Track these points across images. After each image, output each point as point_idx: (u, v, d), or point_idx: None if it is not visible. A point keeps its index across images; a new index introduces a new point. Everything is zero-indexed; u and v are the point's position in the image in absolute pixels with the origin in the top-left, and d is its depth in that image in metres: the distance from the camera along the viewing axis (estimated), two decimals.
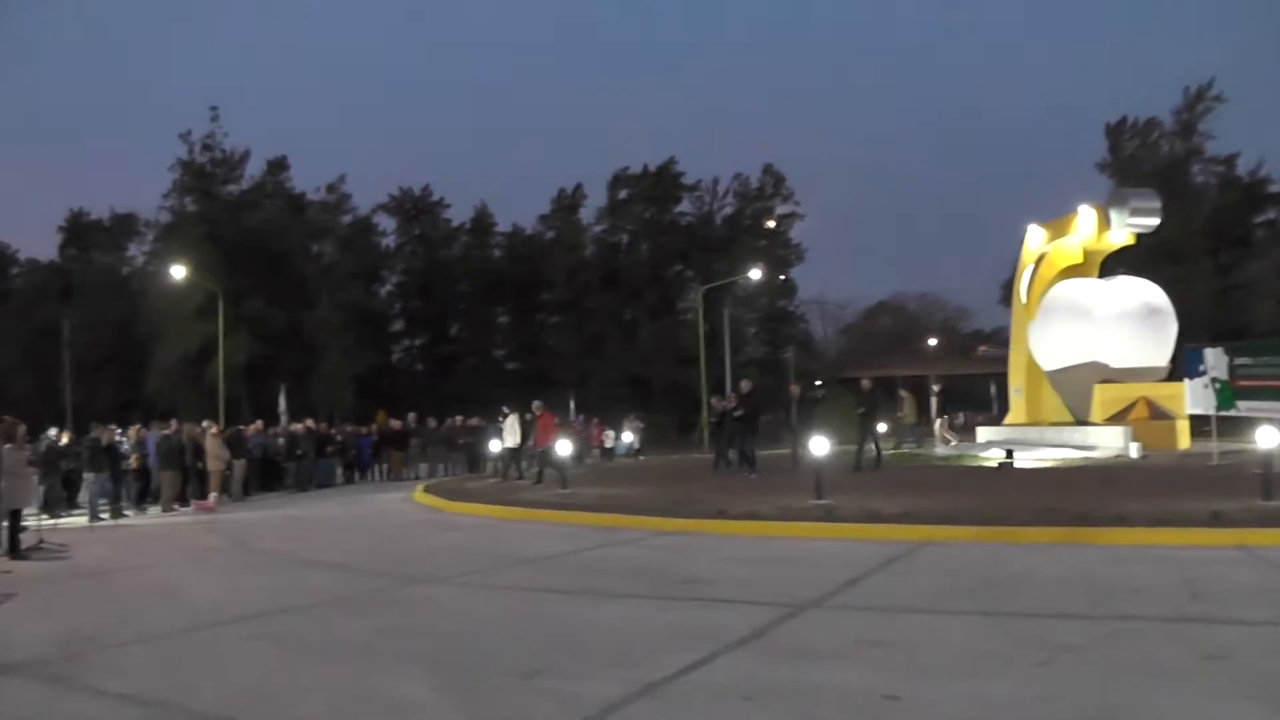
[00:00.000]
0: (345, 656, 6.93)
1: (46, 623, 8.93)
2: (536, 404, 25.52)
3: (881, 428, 30.20)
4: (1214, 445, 20.72)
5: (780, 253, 72.95)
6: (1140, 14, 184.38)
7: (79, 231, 72.56)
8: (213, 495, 22.11)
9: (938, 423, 32.09)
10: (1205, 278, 61.50)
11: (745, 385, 24.27)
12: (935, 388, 33.45)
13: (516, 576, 10.43)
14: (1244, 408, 19.58)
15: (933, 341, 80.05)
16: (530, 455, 24.86)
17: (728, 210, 73.88)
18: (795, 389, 23.79)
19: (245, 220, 62.98)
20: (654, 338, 66.31)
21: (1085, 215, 28.43)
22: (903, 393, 33.28)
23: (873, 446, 21.81)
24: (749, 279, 59.62)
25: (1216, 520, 11.32)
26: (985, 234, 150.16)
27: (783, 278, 73.61)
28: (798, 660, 6.22)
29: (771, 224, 72.99)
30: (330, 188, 67.49)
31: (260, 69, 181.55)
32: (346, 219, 68.64)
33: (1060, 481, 17.94)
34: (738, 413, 22.68)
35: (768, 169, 73.73)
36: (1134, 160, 65.87)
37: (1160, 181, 61.69)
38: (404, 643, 7.27)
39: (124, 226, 71.66)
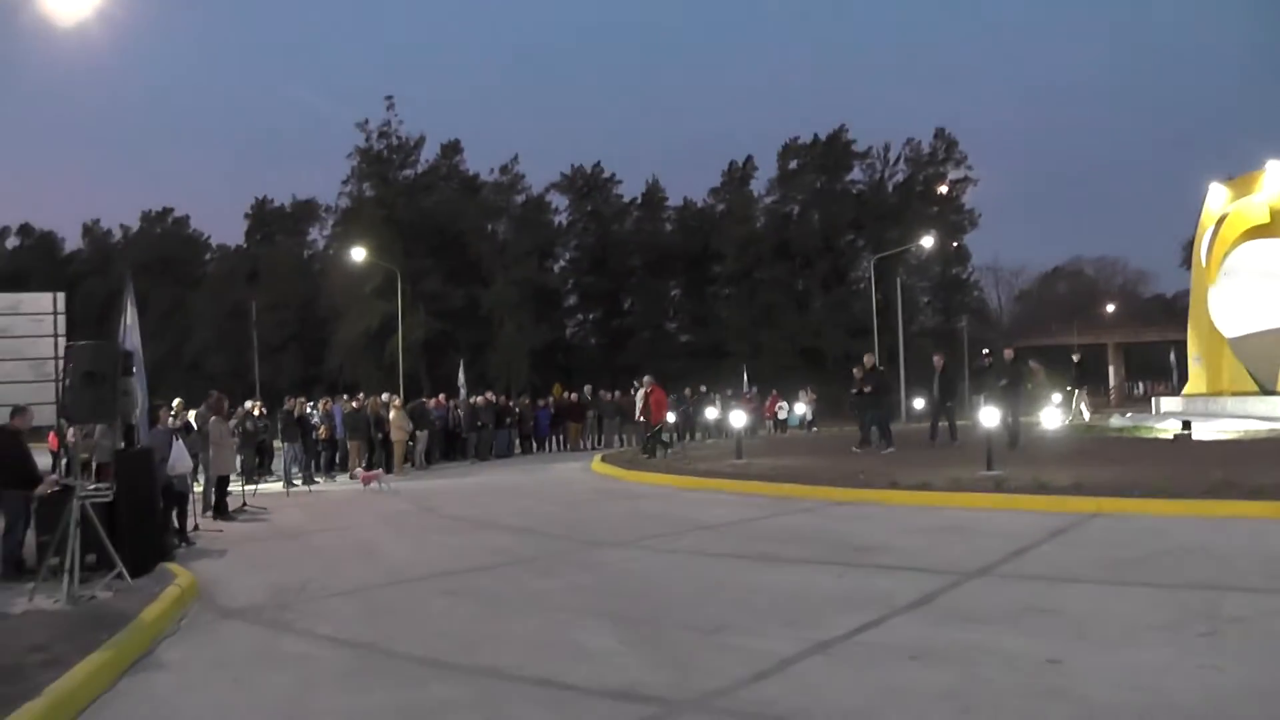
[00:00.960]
0: (534, 610, 7.44)
1: (258, 575, 9.75)
2: (647, 379, 25.47)
3: (1056, 397, 29.75)
4: None
5: (953, 219, 71.60)
6: None
7: (264, 218, 76.58)
8: (378, 470, 22.99)
9: (1075, 394, 31.16)
10: None
11: (868, 359, 23.52)
12: (1075, 358, 32.52)
13: (695, 541, 10.84)
14: None
15: (1110, 308, 77.78)
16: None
17: (899, 177, 72.78)
18: (939, 360, 22.49)
19: (422, 203, 65.11)
20: (826, 308, 65.94)
21: (1274, 171, 26.79)
22: (1033, 364, 32.52)
23: (1013, 421, 20.21)
24: (921, 247, 58.77)
25: None
26: (1169, 191, 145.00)
27: (956, 244, 72.32)
28: (964, 625, 6.46)
29: (944, 189, 71.67)
30: (504, 169, 69.41)
31: (433, 55, 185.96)
32: (520, 198, 70.32)
33: (1239, 454, 17.42)
34: (867, 388, 22.05)
35: (939, 133, 72.40)
36: None
37: None
38: (589, 600, 7.76)
39: (305, 212, 75.32)
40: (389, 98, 66.65)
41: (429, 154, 69.04)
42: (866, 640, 6.13)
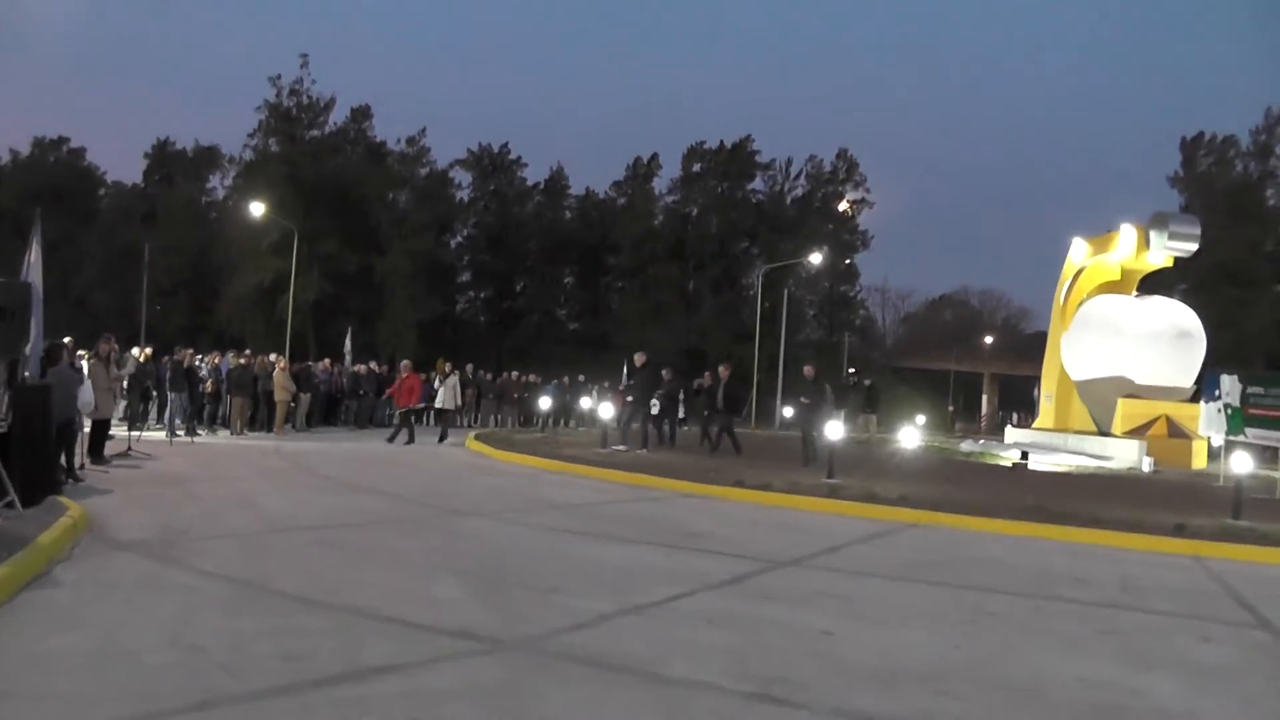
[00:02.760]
0: (394, 564, 8.42)
1: (145, 515, 10.52)
2: (404, 363, 26.00)
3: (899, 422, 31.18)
4: (1221, 467, 21.71)
5: (847, 238, 73.66)
6: (1231, 29, 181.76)
7: (164, 160, 75.19)
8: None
9: (863, 419, 32.66)
10: (1268, 302, 61.56)
11: (808, 370, 22.41)
12: (866, 383, 34.17)
13: (547, 518, 11.88)
14: (1251, 435, 20.50)
15: (989, 339, 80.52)
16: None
17: (798, 191, 74.60)
18: (724, 371, 22.66)
19: (326, 164, 64.76)
20: (714, 311, 67.52)
21: (1126, 234, 29.18)
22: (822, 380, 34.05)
23: (815, 437, 20.23)
24: (811, 262, 60.42)
25: (1179, 531, 12.51)
26: (1055, 236, 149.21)
27: (847, 262, 74.41)
28: (760, 601, 7.63)
29: (845, 207, 73.59)
30: (410, 140, 69.04)
31: (351, 19, 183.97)
32: (424, 171, 70.12)
33: (1062, 485, 19.10)
34: (804, 400, 21.57)
35: (842, 153, 74.44)
36: (1207, 177, 65.73)
37: (1231, 201, 62.09)
38: (444, 559, 8.75)
39: (207, 159, 74.18)
40: (304, 55, 66.71)
41: (338, 117, 68.80)
42: (675, 607, 7.22)
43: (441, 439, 24.80)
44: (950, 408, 70.60)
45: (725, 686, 5.34)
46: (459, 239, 74.94)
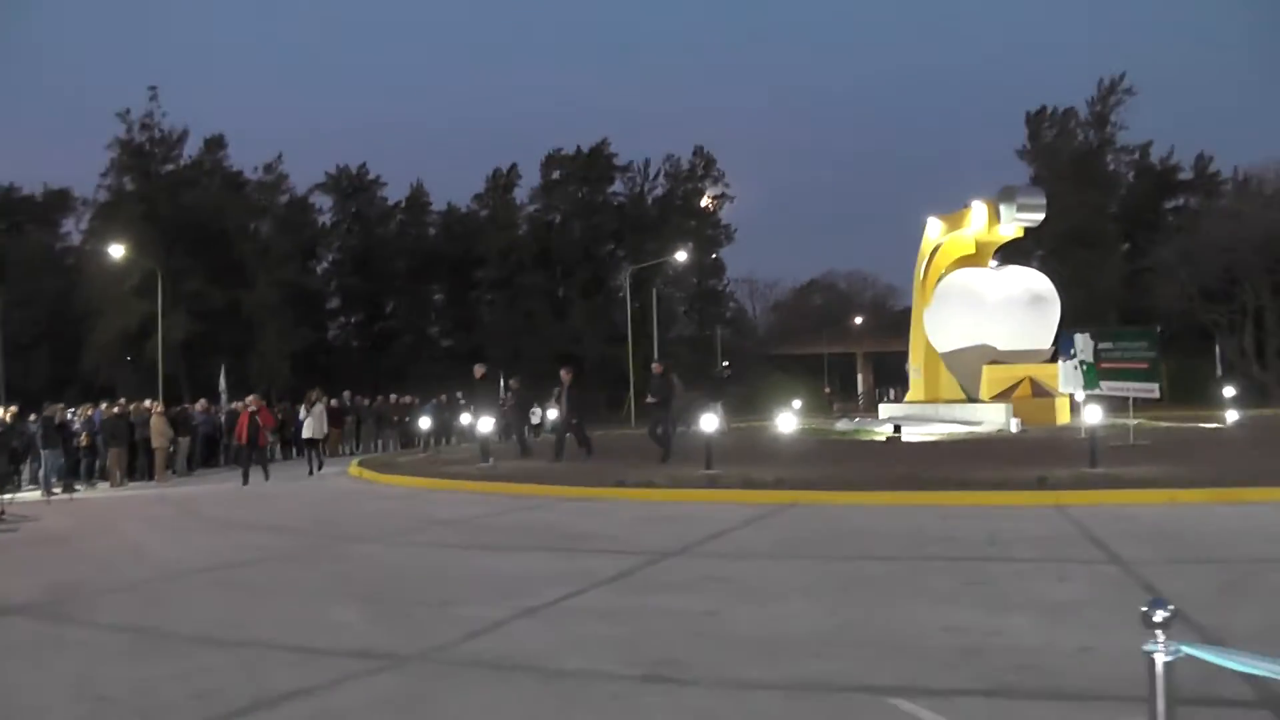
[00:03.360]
0: (291, 595, 8.59)
1: (30, 577, 10.40)
2: (250, 398, 25.05)
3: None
4: (1083, 420, 22.77)
5: (710, 233, 74.92)
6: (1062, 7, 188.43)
7: (10, 207, 72.53)
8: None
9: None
10: (1116, 261, 64.74)
11: (656, 367, 22.16)
12: (724, 373, 34.91)
13: (437, 535, 12.15)
14: (1105, 387, 21.57)
15: (859, 320, 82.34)
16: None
17: (659, 191, 75.75)
18: (566, 375, 22.24)
19: (183, 199, 63.50)
20: (585, 316, 68.06)
21: (978, 209, 30.43)
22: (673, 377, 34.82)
23: (666, 433, 20.44)
24: (676, 260, 61.18)
25: (1041, 484, 13.40)
26: (916, 215, 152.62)
27: (715, 256, 75.54)
28: (648, 592, 8.01)
29: (708, 203, 74.84)
30: (268, 167, 68.04)
31: (199, 49, 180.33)
32: (284, 198, 69.35)
33: (934, 453, 19.95)
34: (652, 399, 21.45)
35: (698, 151, 75.73)
36: (1052, 148, 68.59)
37: (1076, 169, 65.08)
38: (339, 585, 8.95)
39: (58, 202, 71.82)
40: (152, 87, 64.86)
41: (192, 149, 67.24)
42: (566, 606, 7.55)
43: (312, 471, 24.52)
44: (827, 389, 72.02)
45: (618, 673, 5.69)
46: (325, 265, 74.38)
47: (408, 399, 36.44)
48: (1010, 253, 51.29)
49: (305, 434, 26.12)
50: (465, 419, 31.45)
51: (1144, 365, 20.61)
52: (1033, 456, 17.61)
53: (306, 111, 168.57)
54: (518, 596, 7.87)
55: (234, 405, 30.55)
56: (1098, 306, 59.92)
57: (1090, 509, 12.06)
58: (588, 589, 8.14)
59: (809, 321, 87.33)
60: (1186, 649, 2.93)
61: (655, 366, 21.84)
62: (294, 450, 31.96)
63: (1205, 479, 13.66)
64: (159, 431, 25.01)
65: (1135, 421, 22.26)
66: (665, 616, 7.08)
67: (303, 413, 26.86)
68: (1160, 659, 2.91)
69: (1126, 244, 68.17)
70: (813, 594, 7.76)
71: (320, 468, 24.83)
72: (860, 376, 78.92)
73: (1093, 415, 15.98)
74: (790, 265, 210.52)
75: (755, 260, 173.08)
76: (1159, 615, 2.91)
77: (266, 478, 22.80)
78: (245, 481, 21.97)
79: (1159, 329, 22.66)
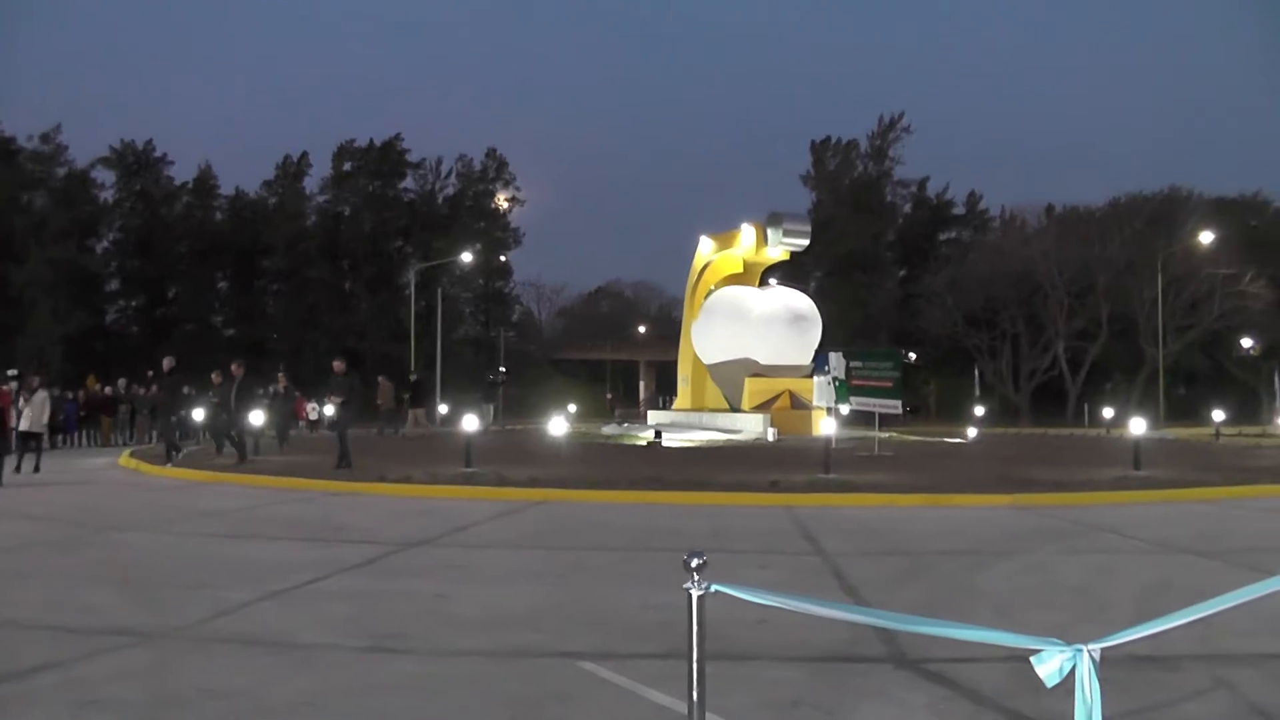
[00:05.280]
0: (51, 581, 8.92)
1: None
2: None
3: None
4: (834, 431, 24.39)
5: (499, 235, 75.39)
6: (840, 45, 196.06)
7: None
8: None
9: (413, 413, 33.90)
10: (891, 286, 68.87)
11: (338, 365, 21.33)
12: (411, 377, 35.79)
13: (198, 525, 12.52)
14: (854, 402, 23.27)
15: (643, 329, 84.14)
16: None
17: (450, 190, 75.76)
18: (236, 369, 22.09)
19: None
20: (370, 311, 67.73)
21: (747, 232, 32.25)
22: (381, 379, 35.82)
23: (342, 435, 19.46)
24: (464, 261, 61.42)
25: (774, 486, 14.81)
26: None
27: (503, 258, 76.02)
28: (388, 577, 8.76)
29: (504, 204, 75.45)
30: (45, 137, 64.19)
31: None
32: (62, 171, 65.50)
33: (688, 457, 21.33)
34: (338, 399, 20.88)
35: (490, 153, 76.09)
36: (834, 176, 72.29)
37: (856, 197, 68.96)
38: (97, 570, 9.32)
39: None
40: None
41: None
42: (310, 589, 8.21)
43: (20, 468, 20.56)
44: (609, 395, 73.42)
45: (344, 645, 6.42)
46: (105, 244, 70.86)
47: (185, 390, 35.77)
48: (790, 271, 54.08)
49: (22, 426, 21.41)
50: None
51: (889, 384, 22.37)
52: (779, 462, 19.07)
53: (88, 82, 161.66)
54: (268, 581, 8.46)
55: None
56: (871, 327, 63.68)
57: (814, 510, 13.45)
58: (333, 574, 8.81)
59: (595, 328, 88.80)
60: (717, 587, 4.08)
61: (336, 365, 21.05)
62: (59, 438, 30.93)
63: (924, 486, 15.35)
64: None
65: (886, 434, 24.05)
66: (398, 598, 7.83)
67: (21, 401, 22.38)
68: (695, 594, 4.06)
69: (902, 270, 72.33)
70: (538, 579, 8.65)
71: (36, 468, 21.08)
72: (643, 384, 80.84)
73: (828, 427, 17.53)
74: (578, 272, 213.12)
75: (543, 265, 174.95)
76: (695, 563, 4.09)
77: (36, 469, 20.81)
78: None
79: (904, 351, 24.60)
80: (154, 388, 34.97)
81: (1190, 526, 11.92)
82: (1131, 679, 5.44)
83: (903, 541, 10.94)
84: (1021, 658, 3.17)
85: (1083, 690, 3.03)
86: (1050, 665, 3.08)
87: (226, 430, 22.21)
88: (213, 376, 23.33)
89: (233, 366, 22.27)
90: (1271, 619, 6.48)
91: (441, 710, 5.19)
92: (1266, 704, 5.17)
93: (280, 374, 27.92)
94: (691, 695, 3.85)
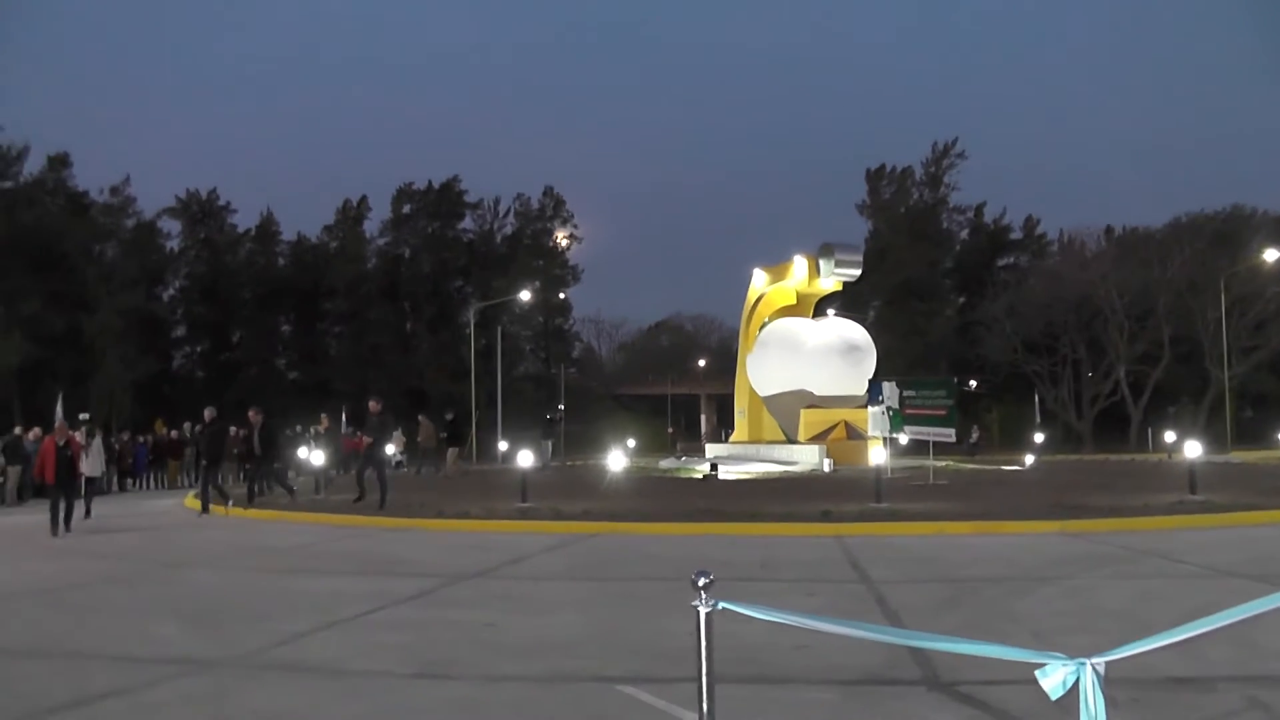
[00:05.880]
0: (118, 614, 9.29)
1: None
2: (60, 423, 20.73)
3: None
4: (889, 461, 24.41)
5: (558, 272, 76.19)
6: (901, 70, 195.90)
7: None
8: None
9: (450, 452, 33.38)
10: (950, 313, 68.44)
11: (373, 405, 20.89)
12: (448, 416, 35.52)
13: (260, 561, 12.92)
14: (908, 430, 23.28)
15: (703, 362, 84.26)
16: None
17: (508, 229, 76.76)
18: (254, 416, 22.03)
19: (21, 218, 61.25)
20: (431, 351, 68.52)
21: (799, 263, 32.39)
22: (421, 418, 35.85)
23: (382, 476, 19.51)
24: (522, 298, 61.91)
25: (825, 516, 14.88)
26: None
27: (563, 295, 76.63)
28: (440, 607, 9.01)
29: (563, 241, 76.17)
30: (114, 189, 65.65)
31: (40, 62, 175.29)
32: (130, 221, 67.09)
33: (742, 490, 21.46)
34: (367, 438, 20.67)
35: (548, 191, 77.18)
36: (890, 204, 72.18)
37: (912, 225, 68.70)
38: (163, 605, 9.67)
39: None
40: None
41: (33, 166, 64.36)
42: (365, 620, 8.48)
43: (68, 519, 17.61)
44: (671, 429, 73.44)
45: (395, 671, 6.67)
46: (171, 291, 72.68)
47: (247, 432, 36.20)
48: (847, 301, 54.13)
49: (87, 471, 20.50)
50: (302, 452, 31.21)
51: (943, 412, 22.36)
52: (832, 493, 19.13)
53: (154, 134, 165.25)
54: (325, 613, 8.75)
55: (31, 435, 27.79)
56: (930, 355, 63.23)
57: (864, 539, 13.53)
58: (387, 606, 9.07)
59: (656, 362, 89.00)
60: (724, 604, 4.20)
61: (372, 405, 20.63)
62: (129, 480, 31.91)
63: (974, 513, 15.32)
64: None
65: (942, 463, 24.03)
66: (448, 627, 8.07)
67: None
68: (702, 611, 4.16)
69: (961, 298, 71.88)
70: (585, 608, 8.87)
71: (88, 514, 20.00)
72: (704, 417, 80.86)
73: (878, 456, 17.61)
74: (637, 306, 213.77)
75: (603, 300, 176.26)
76: (702, 581, 4.20)
77: (88, 514, 19.94)
78: (54, 531, 16.99)
79: (959, 380, 24.51)
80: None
81: (1243, 551, 11.82)
82: (1166, 699, 5.55)
83: (948, 569, 11.00)
84: None
85: (1086, 703, 3.17)
86: (1054, 679, 3.22)
87: (275, 475, 22.90)
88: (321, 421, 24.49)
89: (250, 413, 22.35)
90: None
91: None
92: None
93: (323, 415, 28.36)
94: (701, 708, 4.02)
